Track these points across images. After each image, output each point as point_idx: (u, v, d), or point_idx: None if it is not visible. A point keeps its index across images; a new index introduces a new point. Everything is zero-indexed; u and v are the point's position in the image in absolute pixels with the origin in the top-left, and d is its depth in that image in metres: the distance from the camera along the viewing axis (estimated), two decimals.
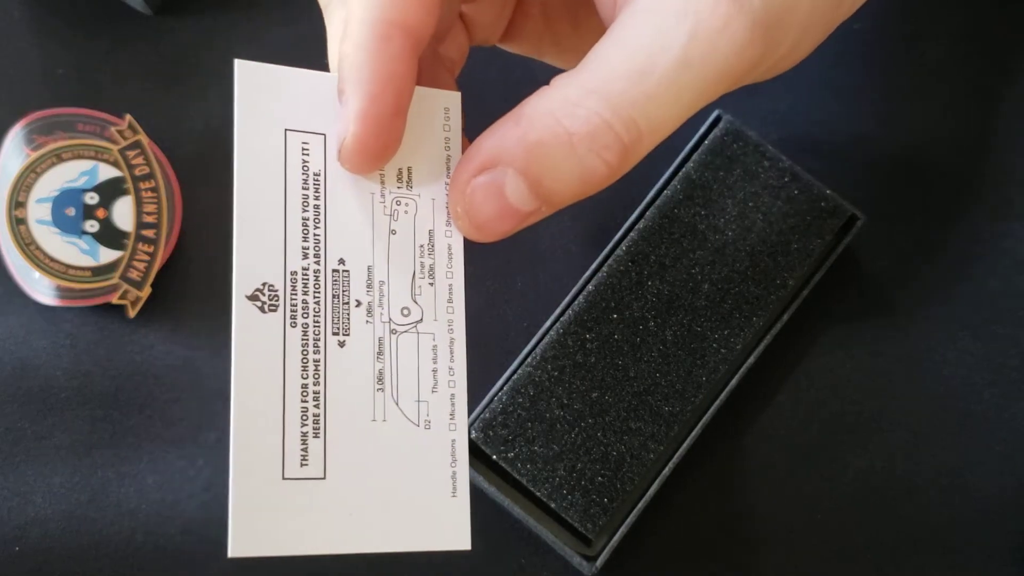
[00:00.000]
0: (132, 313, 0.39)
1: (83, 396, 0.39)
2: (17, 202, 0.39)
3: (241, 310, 0.22)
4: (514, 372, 0.37)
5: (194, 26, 0.42)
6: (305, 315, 0.22)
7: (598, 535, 0.36)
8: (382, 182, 0.23)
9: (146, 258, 0.40)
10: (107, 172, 0.40)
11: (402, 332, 0.22)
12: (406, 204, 0.23)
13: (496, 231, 0.22)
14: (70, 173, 0.40)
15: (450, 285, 0.23)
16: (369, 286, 0.22)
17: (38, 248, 0.39)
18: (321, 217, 0.22)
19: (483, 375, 0.38)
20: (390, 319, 0.22)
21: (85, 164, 0.40)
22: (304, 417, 0.22)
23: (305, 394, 0.22)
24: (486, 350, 0.39)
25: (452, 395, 0.23)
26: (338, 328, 0.22)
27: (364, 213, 0.22)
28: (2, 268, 0.39)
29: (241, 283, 0.22)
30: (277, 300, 0.22)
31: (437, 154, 0.23)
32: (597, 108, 0.21)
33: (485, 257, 0.40)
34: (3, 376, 0.39)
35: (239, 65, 0.21)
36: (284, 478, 0.21)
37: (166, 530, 0.37)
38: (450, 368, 0.23)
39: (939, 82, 0.42)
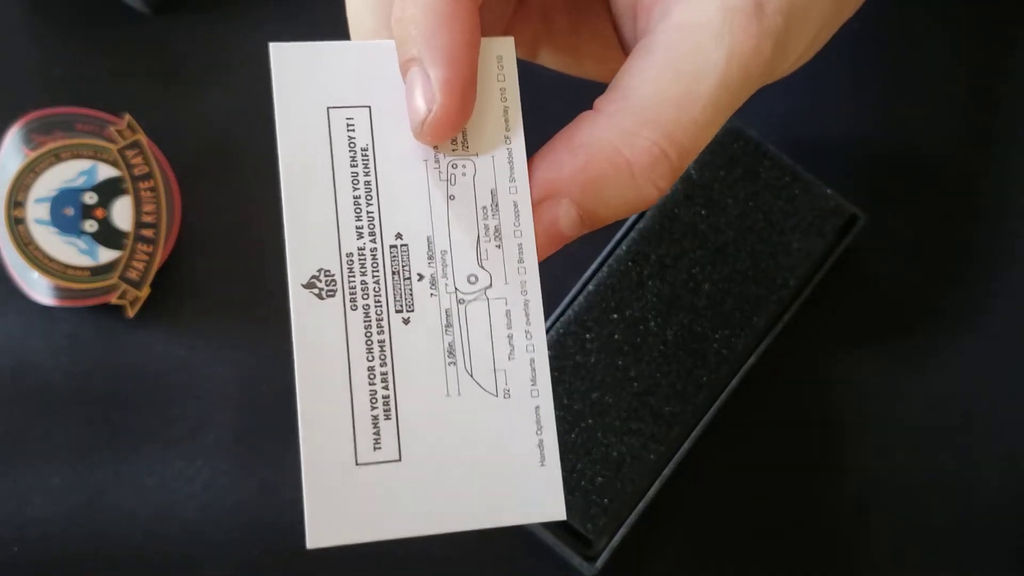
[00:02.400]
0: (131, 313, 0.39)
1: (82, 396, 0.39)
2: (16, 202, 0.39)
3: (299, 299, 0.21)
4: None
5: (194, 26, 0.42)
6: (365, 296, 0.21)
7: (598, 535, 0.36)
8: (436, 147, 0.22)
9: (145, 258, 0.40)
10: (106, 172, 0.40)
11: (470, 301, 0.21)
12: (463, 166, 0.22)
13: (541, 256, 0.23)
14: (69, 173, 0.40)
15: (519, 244, 0.22)
16: (431, 258, 0.21)
17: (37, 248, 0.39)
18: (373, 193, 0.21)
19: None
20: (456, 289, 0.21)
21: (84, 164, 0.40)
22: (373, 400, 0.21)
23: (372, 376, 0.21)
24: None
25: (531, 360, 0.22)
26: (401, 305, 0.21)
27: (419, 183, 0.21)
28: (0, 268, 0.39)
29: (296, 272, 0.21)
30: (334, 285, 0.21)
31: (494, 107, 0.22)
32: (655, 138, 0.21)
33: None
34: (1, 376, 0.39)
35: (274, 49, 0.21)
36: (358, 464, 0.20)
37: (165, 530, 0.37)
38: (527, 332, 0.22)
39: (939, 82, 0.42)
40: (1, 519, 0.37)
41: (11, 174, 0.39)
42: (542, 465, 0.21)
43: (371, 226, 0.21)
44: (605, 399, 0.37)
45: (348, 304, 0.21)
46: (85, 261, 0.39)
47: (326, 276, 0.21)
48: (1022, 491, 0.38)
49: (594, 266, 0.38)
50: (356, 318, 0.21)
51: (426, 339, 0.21)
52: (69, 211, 0.40)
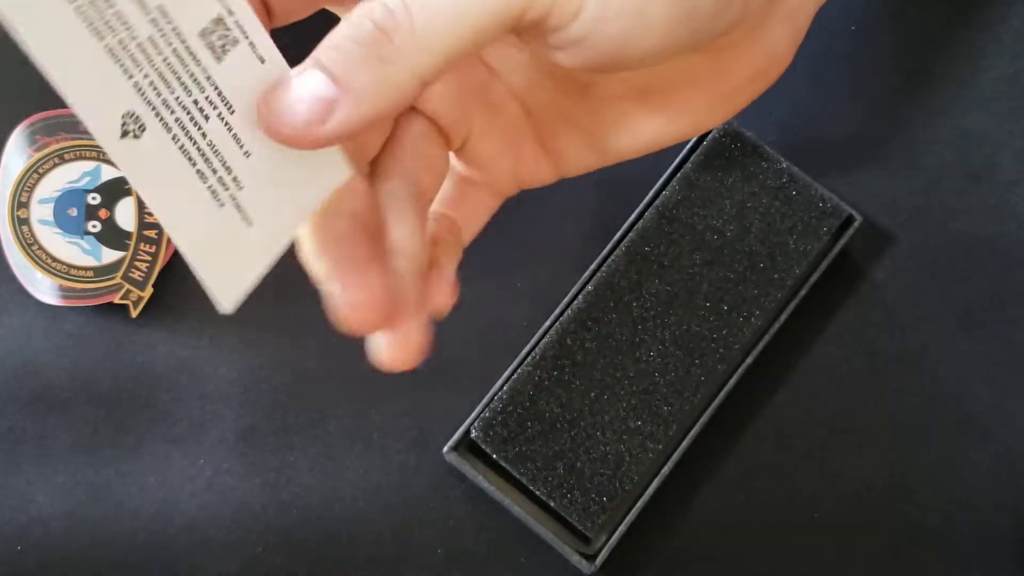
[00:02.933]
0: (134, 313, 0.39)
1: (85, 396, 0.39)
2: (20, 202, 0.39)
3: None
4: (514, 372, 0.37)
5: None
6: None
7: (597, 534, 0.36)
8: None
9: (148, 258, 0.40)
10: (109, 173, 0.40)
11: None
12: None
13: (292, 117, 0.22)
14: (72, 174, 0.40)
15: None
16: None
17: (40, 248, 0.39)
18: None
19: (483, 375, 0.39)
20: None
21: (87, 165, 0.40)
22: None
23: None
24: (486, 350, 0.39)
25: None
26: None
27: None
28: (5, 268, 0.39)
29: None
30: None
31: None
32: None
33: (485, 257, 0.40)
34: (5, 376, 0.39)
35: None
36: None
37: (167, 529, 0.38)
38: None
39: (935, 83, 0.42)
40: (5, 517, 0.38)
41: (15, 175, 0.40)
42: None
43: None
44: (604, 398, 0.37)
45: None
46: (89, 261, 0.39)
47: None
48: (1018, 491, 0.38)
49: (593, 266, 0.38)
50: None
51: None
52: (73, 212, 0.40)
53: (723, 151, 0.39)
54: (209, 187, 0.22)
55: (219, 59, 0.22)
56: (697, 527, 0.38)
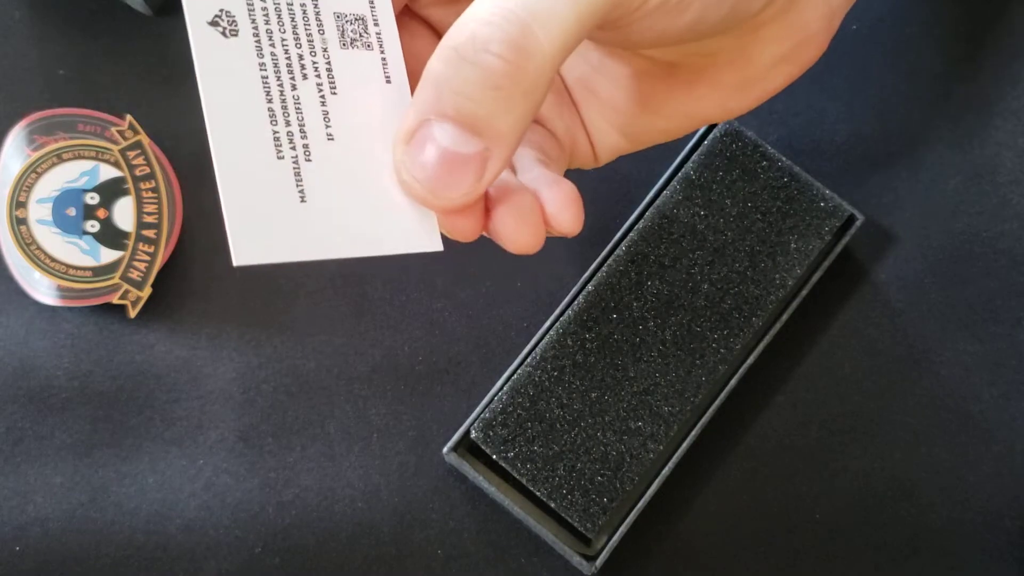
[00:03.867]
0: (133, 313, 0.39)
1: (84, 396, 0.39)
2: (18, 202, 0.39)
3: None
4: (514, 372, 0.37)
5: None
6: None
7: (597, 535, 0.36)
8: None
9: (147, 258, 0.40)
10: (108, 172, 0.40)
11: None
12: None
13: (452, 190, 0.21)
14: (71, 173, 0.40)
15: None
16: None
17: (39, 248, 0.39)
18: None
19: (483, 375, 0.39)
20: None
21: (86, 164, 0.40)
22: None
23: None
24: (486, 350, 0.39)
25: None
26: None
27: None
28: (3, 268, 0.39)
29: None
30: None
31: None
32: (472, 18, 0.20)
33: (485, 257, 0.40)
34: (4, 376, 0.39)
35: None
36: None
37: (167, 529, 0.38)
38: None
39: (937, 82, 0.42)
40: (4, 518, 0.38)
41: (13, 174, 0.39)
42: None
43: None
44: (604, 398, 0.37)
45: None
46: (87, 261, 0.39)
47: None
48: (1019, 491, 0.38)
49: (593, 266, 0.38)
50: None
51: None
52: (71, 211, 0.40)
53: (724, 150, 0.39)
54: (275, 134, 0.20)
55: (343, 47, 0.21)
56: (698, 528, 0.38)
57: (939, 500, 0.38)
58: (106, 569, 0.37)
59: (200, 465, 0.38)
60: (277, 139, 0.20)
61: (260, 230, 0.20)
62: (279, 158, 0.20)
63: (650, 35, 0.23)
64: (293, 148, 0.20)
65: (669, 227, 0.38)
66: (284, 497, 0.38)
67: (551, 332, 0.37)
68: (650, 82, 0.27)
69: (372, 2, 0.21)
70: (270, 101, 0.20)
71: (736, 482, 0.39)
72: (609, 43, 0.24)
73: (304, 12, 0.21)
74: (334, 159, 0.21)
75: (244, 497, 0.38)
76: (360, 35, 0.21)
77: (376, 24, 0.21)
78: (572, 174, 0.30)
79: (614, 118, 0.27)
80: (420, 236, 0.22)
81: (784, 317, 0.38)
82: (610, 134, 0.28)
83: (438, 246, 0.22)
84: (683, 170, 0.39)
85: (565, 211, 0.24)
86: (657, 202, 0.39)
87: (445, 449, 0.37)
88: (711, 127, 0.39)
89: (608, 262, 0.38)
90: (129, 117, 0.40)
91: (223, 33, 0.20)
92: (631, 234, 0.38)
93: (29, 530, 0.38)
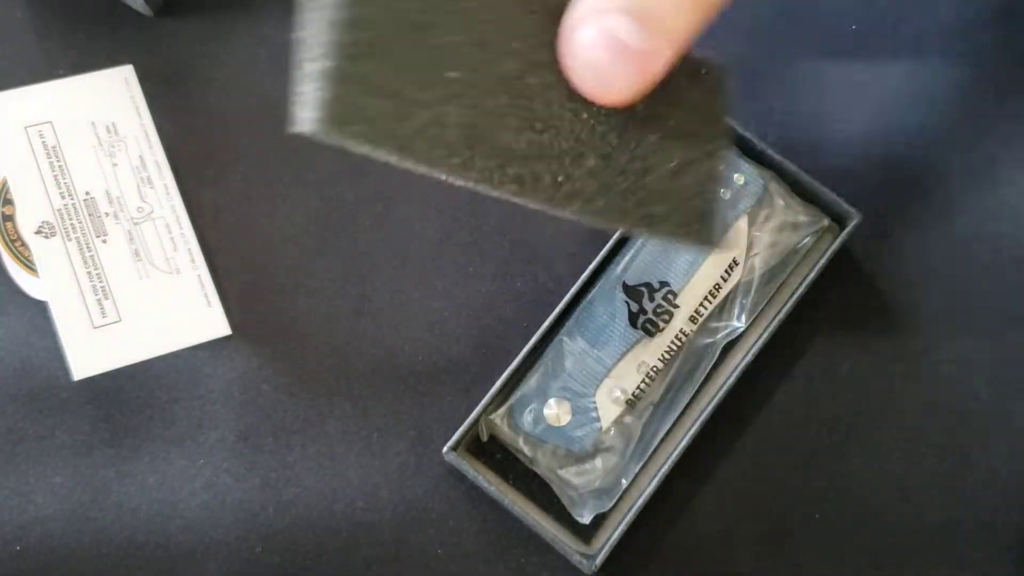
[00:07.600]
0: None
1: (84, 396, 0.39)
2: (6, 200, 0.39)
3: (34, 242, 0.36)
4: (514, 372, 0.37)
5: (194, 27, 0.43)
6: (75, 232, 0.35)
7: (597, 533, 0.36)
8: (99, 142, 0.37)
9: None
10: None
11: (142, 222, 0.35)
12: (119, 146, 0.38)
13: (625, 83, 0.21)
14: None
15: (165, 184, 0.38)
16: (110, 201, 0.36)
17: (23, 246, 0.39)
18: (66, 170, 0.36)
19: (483, 375, 0.39)
20: (131, 217, 0.35)
21: None
22: (95, 290, 0.36)
23: (91, 276, 0.36)
24: (486, 350, 0.39)
25: (189, 249, 0.38)
26: (99, 232, 0.36)
27: (92, 159, 0.37)
28: (2, 268, 0.39)
29: (26, 225, 0.34)
30: (54, 229, 0.34)
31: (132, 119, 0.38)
32: None
33: (485, 257, 0.40)
34: (4, 376, 0.39)
35: None
36: (95, 327, 0.36)
37: (167, 529, 0.38)
38: (181, 234, 0.38)
39: (936, 83, 0.42)
40: (4, 518, 0.38)
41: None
42: (208, 307, 0.38)
43: (69, 190, 0.35)
44: None
45: (64, 239, 0.35)
46: None
47: (47, 225, 0.34)
48: (1018, 491, 0.38)
49: (593, 266, 0.38)
50: (73, 246, 0.36)
51: (120, 249, 0.36)
52: None
53: None
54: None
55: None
56: (697, 527, 0.38)
57: (938, 500, 0.38)
58: (106, 569, 0.37)
59: (200, 465, 0.38)
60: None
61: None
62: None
63: None
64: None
65: None
66: (284, 497, 0.38)
67: (551, 331, 0.37)
68: None
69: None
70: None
71: (736, 482, 0.39)
72: None
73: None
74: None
75: (244, 497, 0.38)
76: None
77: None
78: None
79: None
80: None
81: (782, 315, 0.38)
82: None
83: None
84: None
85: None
86: None
87: (445, 448, 0.37)
88: None
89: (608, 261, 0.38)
90: None
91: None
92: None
93: (29, 530, 0.38)
